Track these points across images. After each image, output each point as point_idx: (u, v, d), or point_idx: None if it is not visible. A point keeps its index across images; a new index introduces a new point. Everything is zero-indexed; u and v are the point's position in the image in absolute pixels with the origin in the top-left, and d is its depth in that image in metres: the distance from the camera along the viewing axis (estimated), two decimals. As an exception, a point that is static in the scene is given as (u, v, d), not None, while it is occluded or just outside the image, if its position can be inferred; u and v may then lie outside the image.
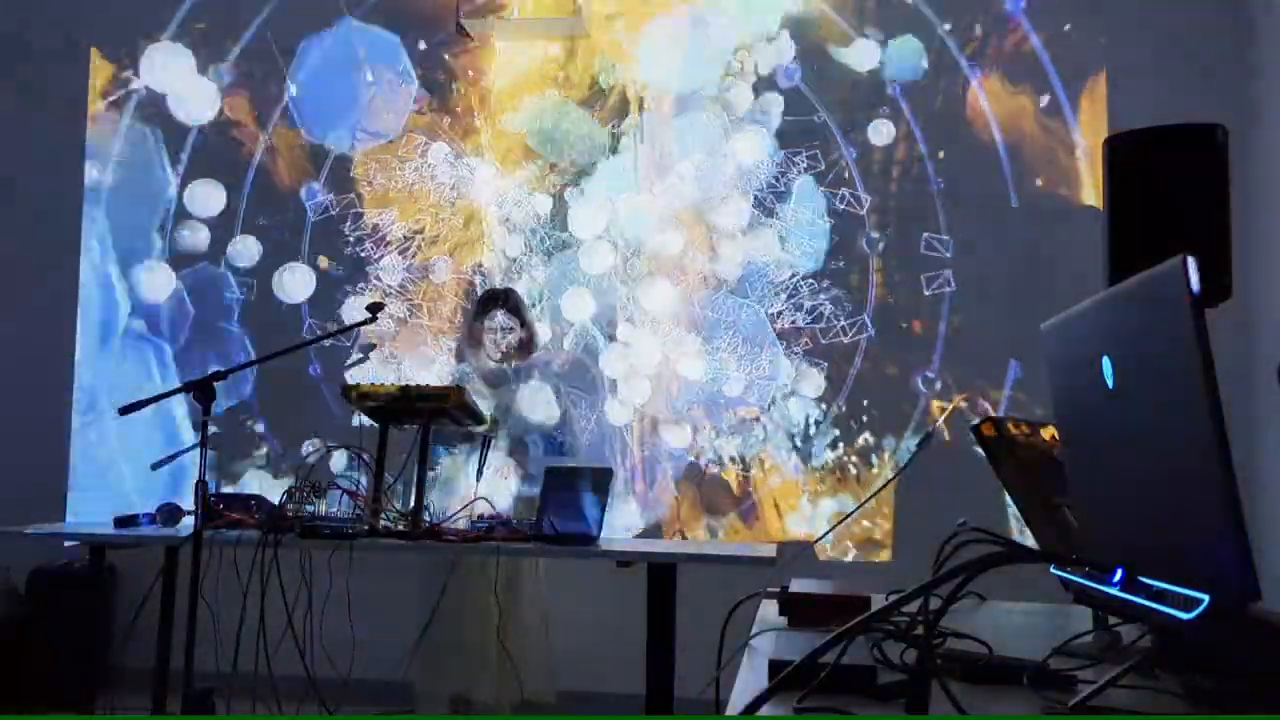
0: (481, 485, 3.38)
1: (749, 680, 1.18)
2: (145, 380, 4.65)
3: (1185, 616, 0.90)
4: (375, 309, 3.19)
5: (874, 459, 4.27)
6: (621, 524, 4.26)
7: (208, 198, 4.75)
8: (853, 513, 2.42)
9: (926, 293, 4.32)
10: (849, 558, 4.24)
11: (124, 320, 4.76)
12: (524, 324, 3.75)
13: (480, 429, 3.37)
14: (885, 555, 4.22)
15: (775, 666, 1.09)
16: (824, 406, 4.33)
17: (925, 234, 4.32)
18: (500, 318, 3.71)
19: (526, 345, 3.76)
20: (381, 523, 2.98)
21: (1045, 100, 4.28)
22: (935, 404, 4.26)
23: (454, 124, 4.64)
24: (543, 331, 4.20)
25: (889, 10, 4.41)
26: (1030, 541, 1.60)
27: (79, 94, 4.84)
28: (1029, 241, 4.23)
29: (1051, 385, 1.30)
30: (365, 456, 3.12)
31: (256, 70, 4.77)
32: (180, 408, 4.56)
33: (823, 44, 4.43)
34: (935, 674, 1.01)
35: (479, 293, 4.29)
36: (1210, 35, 4.12)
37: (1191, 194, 2.90)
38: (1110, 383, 1.06)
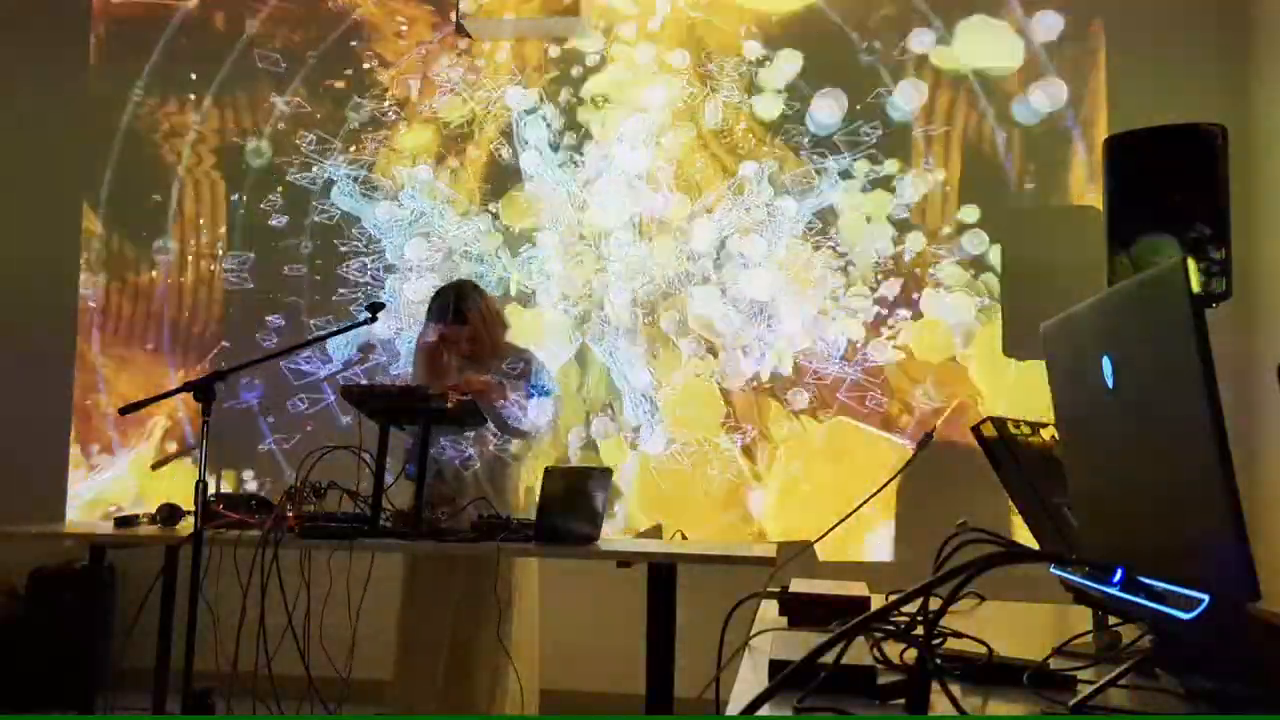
0: None
1: (749, 680, 1.18)
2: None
3: (1185, 616, 0.90)
4: (375, 309, 3.17)
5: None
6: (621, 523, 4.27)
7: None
8: (851, 512, 2.41)
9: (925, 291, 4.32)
10: (849, 558, 4.24)
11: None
12: (466, 322, 3.37)
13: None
14: (885, 555, 4.22)
15: (775, 666, 1.09)
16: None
17: (923, 235, 4.32)
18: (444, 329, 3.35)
19: (481, 349, 3.41)
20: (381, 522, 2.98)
21: (1045, 99, 4.28)
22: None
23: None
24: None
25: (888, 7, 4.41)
26: (1030, 541, 1.59)
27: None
28: (1029, 241, 4.22)
29: (1051, 385, 1.30)
30: (365, 456, 3.11)
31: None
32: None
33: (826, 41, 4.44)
34: (935, 674, 1.01)
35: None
36: (1210, 35, 4.12)
37: (1190, 193, 2.91)
38: (1110, 383, 1.06)
